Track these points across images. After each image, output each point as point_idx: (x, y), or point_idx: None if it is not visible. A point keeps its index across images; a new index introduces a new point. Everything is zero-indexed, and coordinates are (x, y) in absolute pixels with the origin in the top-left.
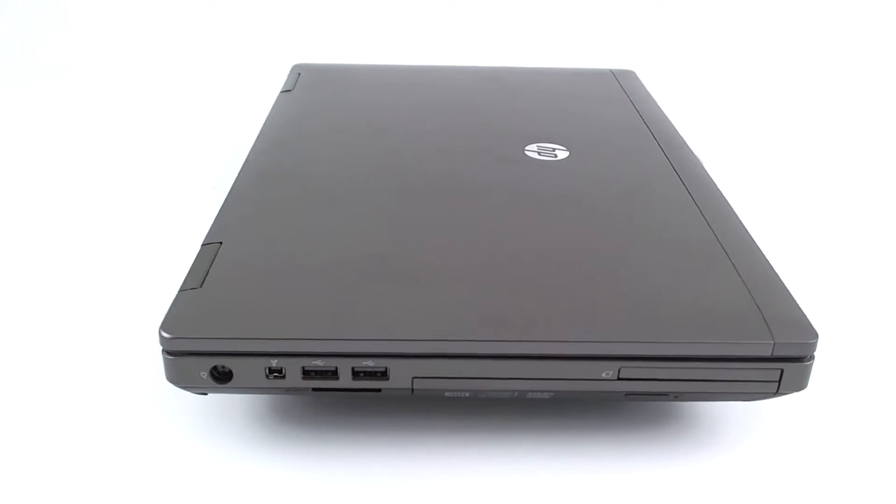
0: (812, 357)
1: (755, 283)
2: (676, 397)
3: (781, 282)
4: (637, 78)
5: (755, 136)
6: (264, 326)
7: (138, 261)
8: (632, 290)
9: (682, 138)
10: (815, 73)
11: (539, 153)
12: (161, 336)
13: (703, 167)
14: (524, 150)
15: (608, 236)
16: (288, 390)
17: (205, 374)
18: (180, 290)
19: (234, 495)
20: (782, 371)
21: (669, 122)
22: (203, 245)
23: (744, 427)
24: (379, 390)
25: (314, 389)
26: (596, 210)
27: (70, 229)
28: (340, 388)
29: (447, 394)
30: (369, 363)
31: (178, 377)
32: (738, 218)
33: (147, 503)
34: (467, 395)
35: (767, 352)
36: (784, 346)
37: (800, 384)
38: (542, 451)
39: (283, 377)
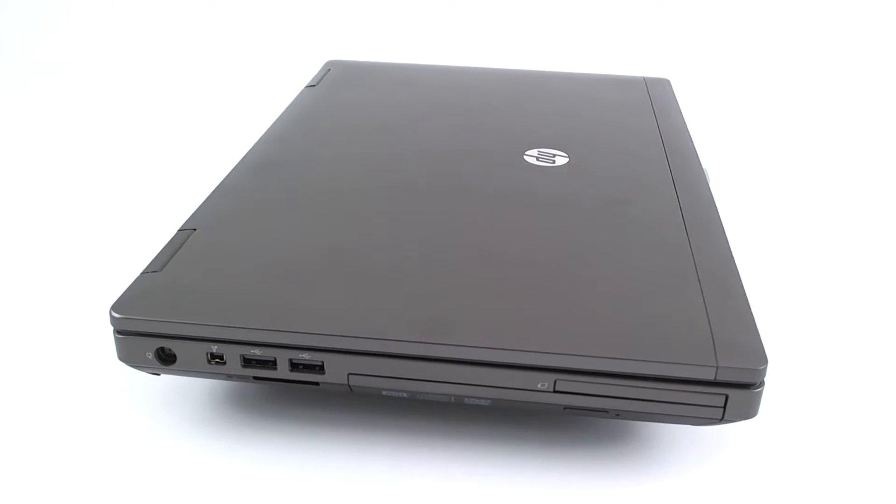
0: (761, 384)
1: (717, 305)
2: (618, 415)
3: (747, 306)
4: (669, 87)
5: (787, 154)
6: (208, 312)
7: (133, 249)
8: (583, 302)
9: (694, 151)
10: (855, 97)
11: (538, 159)
12: (111, 315)
13: (706, 182)
14: (524, 155)
15: (579, 247)
16: (230, 377)
17: (150, 355)
18: (141, 273)
19: (179, 478)
20: (727, 397)
21: (688, 133)
22: (178, 230)
23: (697, 452)
24: (317, 384)
25: (255, 378)
26: (575, 220)
27: (70, 227)
28: (279, 379)
29: (384, 393)
30: (306, 356)
31: (127, 356)
32: (724, 237)
33: (93, 479)
34: (405, 395)
35: (710, 375)
36: (728, 370)
37: (747, 412)
38: (484, 457)
39: (224, 363)
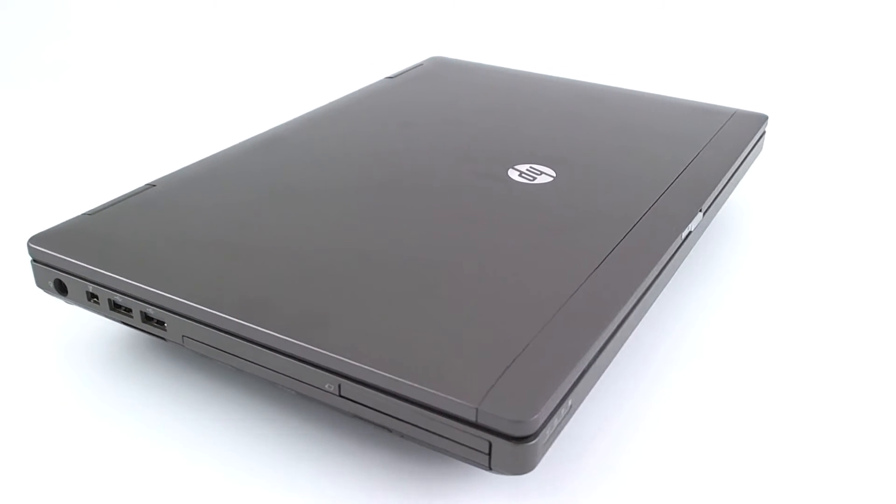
0: (532, 438)
1: (540, 348)
2: (402, 436)
3: (574, 357)
4: (758, 122)
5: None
6: (93, 256)
7: None
8: (406, 316)
9: (714, 188)
10: None
11: (521, 174)
12: (28, 245)
13: (688, 221)
14: (511, 168)
15: (468, 264)
16: (107, 316)
17: (51, 284)
18: (82, 213)
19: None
20: (490, 444)
21: (729, 170)
22: (146, 183)
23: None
24: (163, 339)
25: (123, 323)
26: (495, 238)
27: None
28: (135, 327)
29: (214, 359)
30: (150, 311)
31: (37, 282)
32: (639, 282)
33: None
34: (234, 368)
35: (470, 416)
36: (489, 416)
37: (513, 466)
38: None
39: (98, 304)
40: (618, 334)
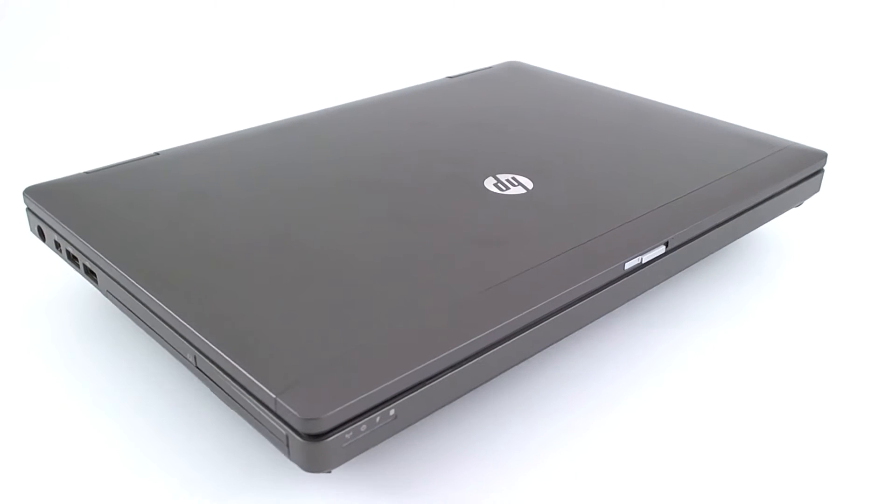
0: (322, 438)
1: (368, 349)
2: (240, 414)
3: (394, 364)
4: (811, 158)
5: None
6: (62, 211)
7: None
8: (268, 300)
9: (694, 224)
10: None
11: (498, 183)
12: (23, 195)
13: (629, 257)
14: (492, 176)
15: (370, 262)
16: (68, 263)
17: (35, 231)
18: (83, 171)
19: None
20: (287, 436)
21: (749, 200)
22: (152, 153)
23: None
24: (98, 290)
25: (83, 272)
26: (418, 240)
27: None
28: (84, 275)
29: (130, 317)
30: (87, 263)
31: (29, 226)
32: (522, 307)
33: None
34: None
35: (271, 404)
36: (283, 408)
37: (306, 462)
38: None
39: (60, 251)
40: (491, 357)
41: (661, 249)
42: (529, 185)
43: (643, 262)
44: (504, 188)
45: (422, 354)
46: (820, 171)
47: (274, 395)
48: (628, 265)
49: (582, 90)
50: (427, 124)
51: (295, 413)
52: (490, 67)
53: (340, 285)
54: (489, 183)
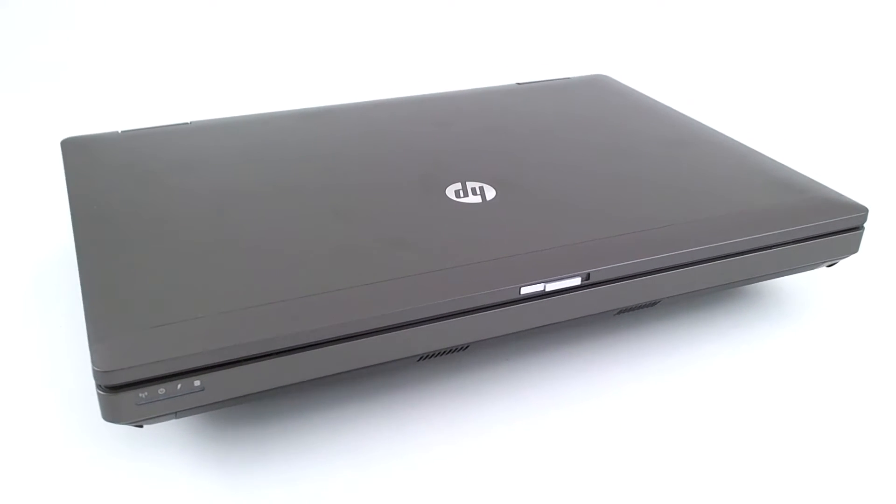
0: (112, 392)
1: (200, 321)
2: None
3: (208, 336)
4: (842, 211)
5: None
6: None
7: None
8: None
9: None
10: None
11: (463, 189)
12: (60, 143)
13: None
14: (461, 183)
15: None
16: None
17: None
18: (117, 130)
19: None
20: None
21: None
22: (182, 122)
23: None
24: None
25: None
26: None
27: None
28: None
29: None
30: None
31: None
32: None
33: None
34: None
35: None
36: (93, 355)
37: (105, 412)
38: None
39: None
40: (311, 356)
41: (577, 281)
42: (491, 195)
43: (546, 290)
44: (461, 196)
45: (238, 335)
46: (858, 229)
47: (88, 344)
48: (525, 290)
49: (649, 111)
50: (446, 125)
51: (94, 364)
52: (568, 78)
53: (228, 263)
54: (451, 189)
